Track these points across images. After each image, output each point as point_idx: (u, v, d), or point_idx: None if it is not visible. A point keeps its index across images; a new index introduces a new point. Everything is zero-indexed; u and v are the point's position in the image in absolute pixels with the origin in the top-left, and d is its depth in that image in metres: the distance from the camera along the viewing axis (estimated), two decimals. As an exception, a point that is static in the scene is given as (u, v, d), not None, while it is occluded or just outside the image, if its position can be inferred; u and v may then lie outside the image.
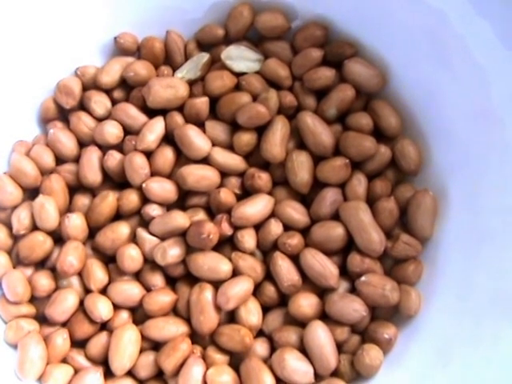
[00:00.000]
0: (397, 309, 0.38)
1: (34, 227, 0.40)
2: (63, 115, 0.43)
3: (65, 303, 0.38)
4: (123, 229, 0.40)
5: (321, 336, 0.36)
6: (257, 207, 0.39)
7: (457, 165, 0.39)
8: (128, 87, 0.43)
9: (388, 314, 0.39)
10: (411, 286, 0.38)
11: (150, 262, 0.39)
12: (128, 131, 0.42)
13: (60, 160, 0.42)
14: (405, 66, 0.41)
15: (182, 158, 0.41)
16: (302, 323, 0.38)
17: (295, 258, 0.39)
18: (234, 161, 0.40)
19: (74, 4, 0.42)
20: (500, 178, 0.37)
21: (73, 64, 0.43)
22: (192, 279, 0.39)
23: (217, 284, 0.38)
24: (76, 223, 0.39)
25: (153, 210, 0.40)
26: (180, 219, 0.38)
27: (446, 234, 0.39)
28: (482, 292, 0.36)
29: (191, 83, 0.42)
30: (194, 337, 0.39)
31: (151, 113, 0.42)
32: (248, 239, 0.39)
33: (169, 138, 0.41)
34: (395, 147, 0.41)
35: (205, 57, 0.42)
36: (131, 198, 0.40)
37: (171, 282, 0.40)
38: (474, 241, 0.37)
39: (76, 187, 0.42)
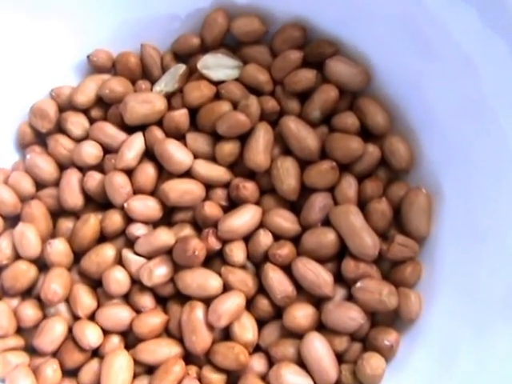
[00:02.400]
0: (398, 313, 0.37)
1: (18, 256, 0.38)
2: (41, 139, 0.42)
3: (53, 332, 0.36)
4: (108, 251, 0.38)
5: (318, 348, 0.35)
6: (244, 218, 0.37)
7: (449, 159, 0.37)
8: (105, 105, 0.42)
9: (389, 320, 0.37)
10: (410, 288, 0.37)
11: (138, 283, 0.38)
12: (107, 150, 0.40)
13: (40, 185, 0.41)
14: (388, 61, 0.39)
15: (165, 173, 0.40)
16: (299, 335, 0.36)
17: (288, 268, 0.37)
18: (217, 172, 0.39)
19: (44, 25, 0.41)
20: (494, 170, 0.35)
21: (48, 86, 0.42)
22: (183, 297, 0.38)
23: (208, 301, 0.36)
24: (59, 249, 0.38)
25: (137, 230, 0.38)
26: (164, 237, 0.37)
27: (443, 231, 0.37)
28: (484, 289, 0.34)
29: (170, 96, 0.41)
30: (190, 356, 0.37)
31: (131, 130, 0.40)
32: (237, 252, 0.37)
33: (150, 154, 0.40)
34: (384, 145, 0.39)
35: (181, 68, 0.41)
36: (114, 219, 0.38)
37: (162, 300, 0.39)
38: (473, 237, 0.36)
39: (59, 211, 0.40)
